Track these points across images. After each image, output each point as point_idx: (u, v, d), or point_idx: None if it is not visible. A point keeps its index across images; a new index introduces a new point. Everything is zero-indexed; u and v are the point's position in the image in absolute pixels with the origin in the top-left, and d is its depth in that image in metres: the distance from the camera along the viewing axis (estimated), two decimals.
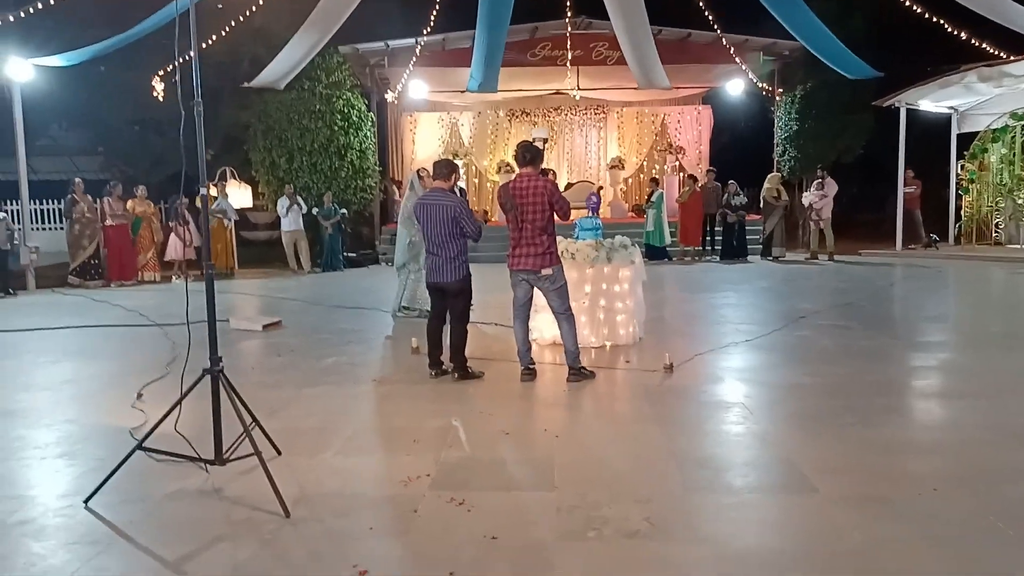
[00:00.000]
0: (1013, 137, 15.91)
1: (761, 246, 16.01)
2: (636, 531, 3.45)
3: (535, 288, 6.27)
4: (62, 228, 19.58)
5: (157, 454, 4.19)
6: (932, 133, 18.16)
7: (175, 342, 8.18)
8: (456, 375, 6.37)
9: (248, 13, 13.75)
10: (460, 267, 6.32)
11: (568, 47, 16.39)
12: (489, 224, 17.14)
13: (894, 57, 16.57)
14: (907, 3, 13.87)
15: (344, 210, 16.29)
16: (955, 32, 14.07)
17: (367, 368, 7.09)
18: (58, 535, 3.58)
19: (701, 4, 13.72)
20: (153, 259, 14.31)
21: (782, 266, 14.92)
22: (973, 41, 13.97)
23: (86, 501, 3.92)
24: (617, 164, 20.46)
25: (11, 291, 12.60)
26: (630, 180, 21.46)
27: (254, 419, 4.25)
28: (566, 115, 21.36)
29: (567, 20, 16.07)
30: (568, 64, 16.79)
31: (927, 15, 13.87)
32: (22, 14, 11.61)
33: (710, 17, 14.34)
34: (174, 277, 14.37)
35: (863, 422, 4.99)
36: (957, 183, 17.23)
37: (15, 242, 12.80)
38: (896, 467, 4.21)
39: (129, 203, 14.10)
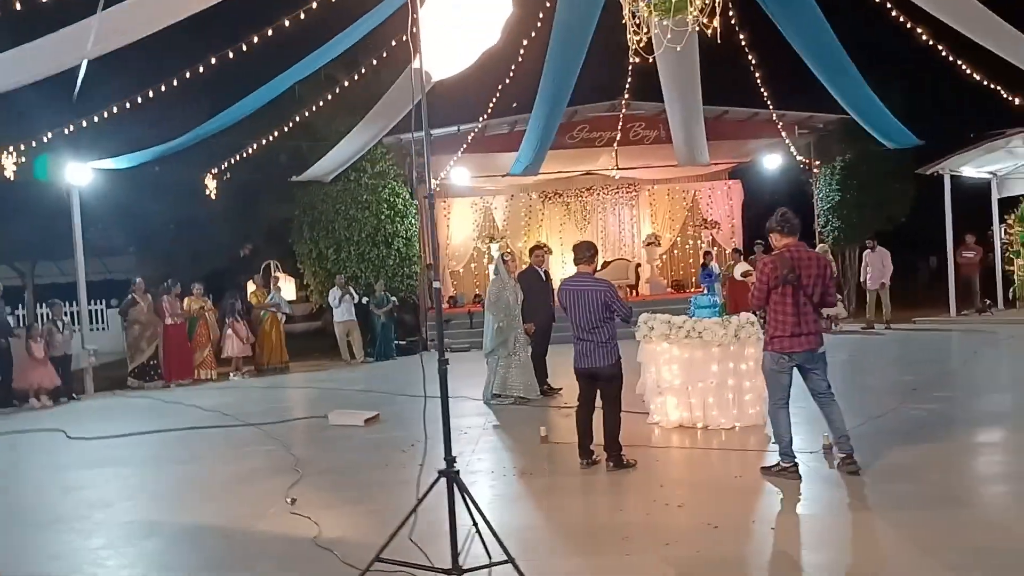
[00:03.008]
0: None
1: None
2: None
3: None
4: (103, 328, 19.50)
5: (392, 565, 3.90)
6: (969, 198, 18.25)
7: (279, 440, 7.95)
8: (611, 464, 6.11)
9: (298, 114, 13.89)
10: (612, 351, 6.15)
11: (619, 128, 16.60)
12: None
13: (932, 125, 16.75)
14: (944, 67, 13.93)
15: (395, 298, 16.14)
16: (993, 95, 14.09)
17: (502, 462, 6.78)
18: None
19: (758, 82, 13.82)
20: (210, 356, 14.05)
21: (844, 336, 14.74)
22: (1014, 100, 13.84)
23: None
24: (653, 241, 20.46)
25: (73, 395, 12.31)
26: (665, 256, 21.45)
27: (486, 522, 3.96)
28: (598, 195, 21.49)
29: (622, 101, 16.24)
30: (616, 145, 16.96)
31: (966, 77, 13.89)
32: (82, 122, 11.59)
33: (765, 94, 14.43)
34: (232, 374, 14.08)
35: None
36: (1003, 247, 17.23)
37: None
38: None
39: (186, 301, 13.91)
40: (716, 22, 7.07)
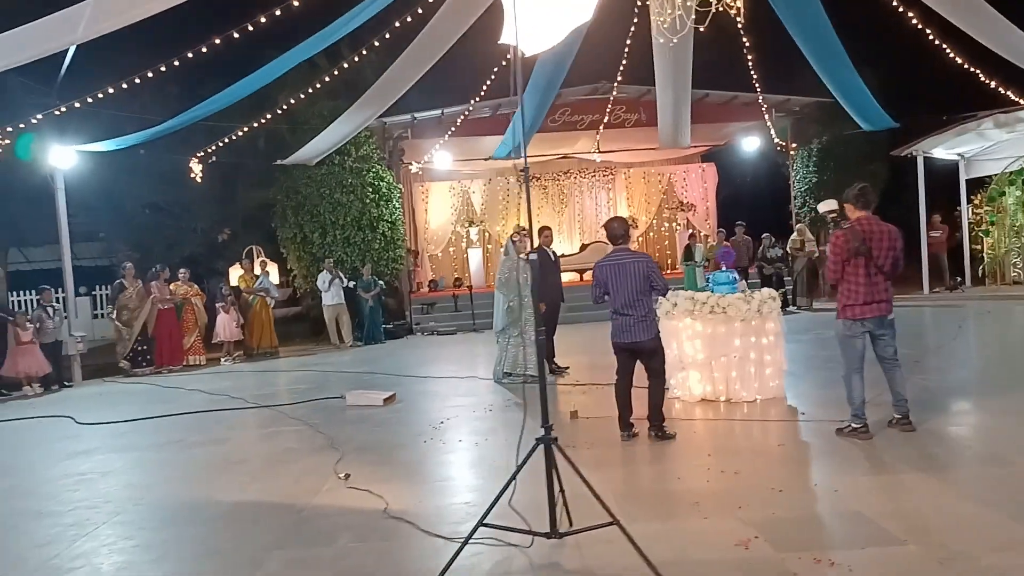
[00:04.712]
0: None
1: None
2: None
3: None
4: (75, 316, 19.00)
5: (494, 529, 3.98)
6: (937, 179, 18.77)
7: (300, 420, 7.98)
8: (653, 434, 6.26)
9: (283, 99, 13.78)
10: (651, 325, 6.28)
11: (607, 111, 16.74)
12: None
13: (904, 108, 17.18)
14: (919, 50, 14.26)
15: (383, 282, 16.11)
16: (967, 78, 14.42)
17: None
18: None
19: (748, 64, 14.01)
20: (198, 342, 13.88)
21: (824, 315, 15.10)
22: (989, 83, 14.15)
23: None
24: (630, 223, 20.59)
25: (65, 383, 12.09)
26: (641, 239, 21.68)
27: (588, 487, 4.03)
28: (575, 178, 21.63)
29: (612, 84, 16.33)
30: (601, 127, 17.09)
31: (940, 61, 14.20)
32: (62, 107, 11.33)
33: (755, 76, 14.64)
34: (223, 359, 13.94)
35: None
36: (970, 226, 17.79)
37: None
38: None
39: (172, 286, 13.71)
40: (740, 1, 7.18)
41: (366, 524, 4.73)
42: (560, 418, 7.35)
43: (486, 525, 3.94)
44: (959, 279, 17.18)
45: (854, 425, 5.86)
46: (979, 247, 17.80)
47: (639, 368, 6.40)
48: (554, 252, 10.59)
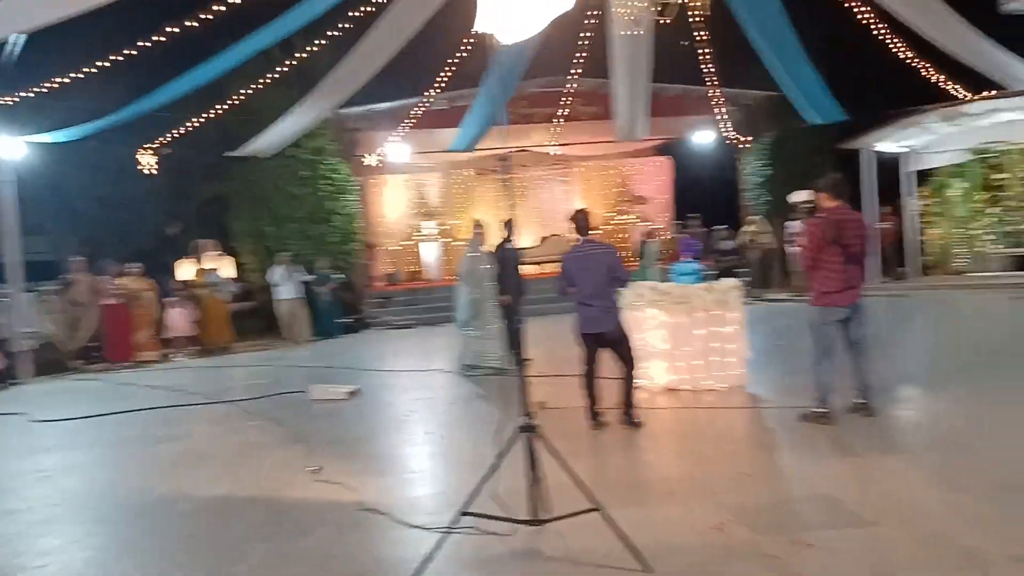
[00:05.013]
0: (968, 172, 17.04)
1: None
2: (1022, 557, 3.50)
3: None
4: None
5: (476, 518, 3.99)
6: (882, 172, 19.22)
7: (264, 415, 7.91)
8: (625, 422, 6.33)
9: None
10: (616, 314, 6.35)
11: (565, 104, 16.81)
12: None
13: (851, 102, 17.55)
14: (864, 45, 14.54)
15: (339, 276, 15.95)
16: (912, 73, 14.78)
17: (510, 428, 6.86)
18: None
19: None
20: (151, 338, 13.59)
21: (777, 305, 15.40)
22: (935, 78, 14.50)
23: None
24: None
25: (15, 380, 11.75)
26: (598, 232, 21.81)
27: (571, 474, 4.06)
28: (531, 171, 21.64)
29: (572, 77, 16.36)
30: (561, 120, 17.18)
31: (886, 56, 14.52)
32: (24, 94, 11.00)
33: (713, 70, 14.81)
34: (176, 355, 13.68)
35: None
36: (916, 218, 18.28)
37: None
38: None
39: (124, 281, 13.40)
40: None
41: (343, 516, 4.71)
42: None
43: (467, 514, 3.94)
44: (905, 269, 17.63)
45: (821, 410, 6.01)
46: (924, 238, 18.30)
47: (606, 359, 6.47)
48: (518, 248, 10.60)
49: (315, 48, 12.22)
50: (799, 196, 6.38)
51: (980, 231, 17.10)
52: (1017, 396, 6.67)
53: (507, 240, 10.01)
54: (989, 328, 11.58)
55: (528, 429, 4.07)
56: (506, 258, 9.94)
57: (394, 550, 4.15)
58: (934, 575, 3.41)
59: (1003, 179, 16.44)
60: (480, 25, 3.92)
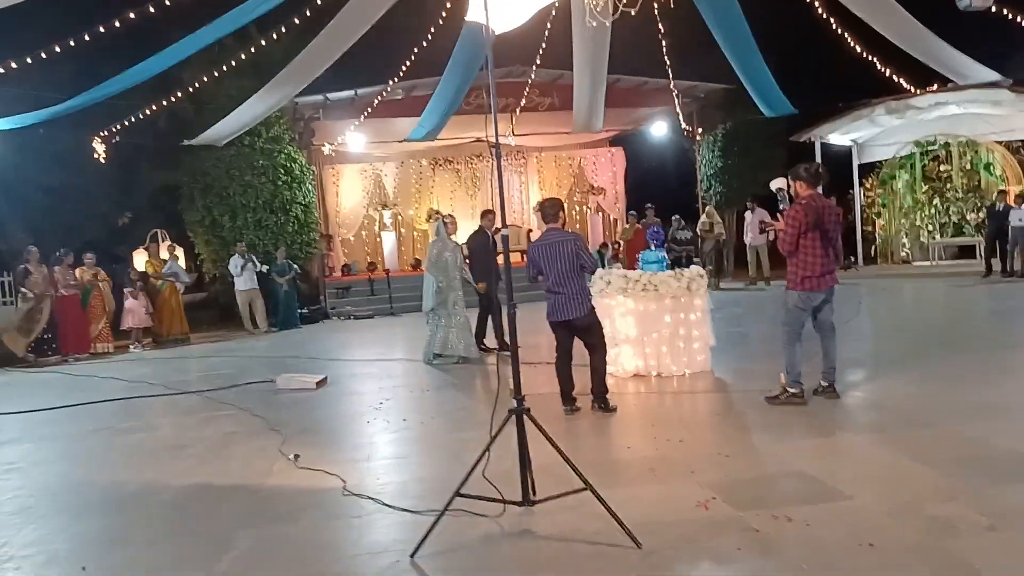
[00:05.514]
0: (912, 164, 17.60)
1: None
2: (991, 526, 3.69)
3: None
4: None
5: (468, 499, 4.06)
6: (831, 164, 19.72)
7: (232, 405, 7.88)
8: (598, 406, 6.46)
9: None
10: (585, 301, 6.44)
11: (524, 94, 16.87)
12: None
13: (801, 95, 17.96)
14: (815, 38, 14.84)
15: (297, 266, 15.83)
16: (862, 66, 15.10)
17: (480, 415, 6.87)
18: None
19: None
20: (106, 329, 13.34)
21: (732, 294, 15.75)
22: (883, 71, 14.82)
23: (412, 555, 3.79)
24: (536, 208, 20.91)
25: None
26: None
27: (562, 455, 4.15)
28: (487, 161, 21.69)
29: (530, 68, 16.40)
30: (518, 111, 17.24)
31: (836, 49, 14.83)
32: None
33: (668, 63, 14.98)
34: (132, 346, 13.45)
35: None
36: (862, 209, 18.82)
37: None
38: None
39: (77, 271, 13.12)
40: None
41: (328, 502, 4.74)
42: (501, 395, 7.46)
43: (462, 495, 4.01)
44: (852, 259, 18.15)
45: (791, 391, 6.20)
46: (871, 229, 18.84)
47: (579, 345, 6.58)
48: (505, 236, 10.65)
49: (272, 37, 12.07)
50: (777, 183, 6.55)
51: (924, 222, 17.68)
52: (966, 375, 7.01)
53: (485, 229, 10.12)
54: (934, 314, 12.04)
55: (519, 411, 4.14)
56: (483, 246, 10.05)
57: (385, 533, 4.20)
58: (910, 543, 3.58)
59: (946, 171, 17.03)
60: (472, 15, 3.99)
